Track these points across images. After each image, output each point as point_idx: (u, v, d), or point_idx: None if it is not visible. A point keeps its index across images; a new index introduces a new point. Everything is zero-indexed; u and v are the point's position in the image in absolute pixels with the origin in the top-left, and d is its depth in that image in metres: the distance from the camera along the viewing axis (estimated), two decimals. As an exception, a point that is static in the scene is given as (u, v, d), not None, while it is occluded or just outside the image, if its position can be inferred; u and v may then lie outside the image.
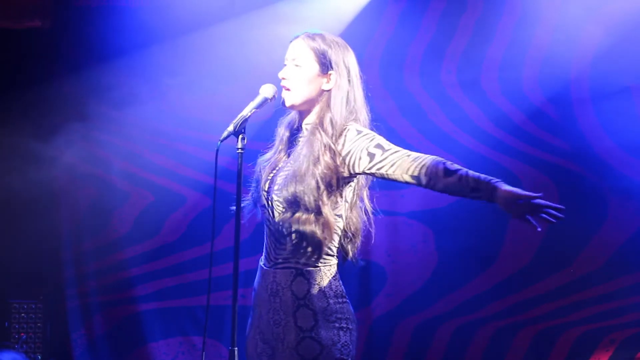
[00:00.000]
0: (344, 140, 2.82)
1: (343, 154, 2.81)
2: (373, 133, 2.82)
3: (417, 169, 2.69)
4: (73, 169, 5.26)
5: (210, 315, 2.71)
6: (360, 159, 2.78)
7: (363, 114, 2.93)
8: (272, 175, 2.92)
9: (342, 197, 2.85)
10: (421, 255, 5.11)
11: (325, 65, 2.89)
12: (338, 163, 2.81)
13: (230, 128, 2.77)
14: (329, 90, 2.89)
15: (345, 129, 2.85)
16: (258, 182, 2.95)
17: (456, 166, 2.65)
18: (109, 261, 5.30)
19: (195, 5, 5.12)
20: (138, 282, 5.29)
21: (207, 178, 5.20)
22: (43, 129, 5.22)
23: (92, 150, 5.28)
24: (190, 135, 5.26)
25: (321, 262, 2.85)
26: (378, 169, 2.75)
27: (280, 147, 2.98)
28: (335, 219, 2.84)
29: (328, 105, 2.88)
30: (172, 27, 5.14)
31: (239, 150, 2.75)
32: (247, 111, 2.80)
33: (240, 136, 2.76)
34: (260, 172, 2.97)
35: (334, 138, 2.83)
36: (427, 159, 2.68)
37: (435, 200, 5.09)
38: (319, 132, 2.84)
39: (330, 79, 2.89)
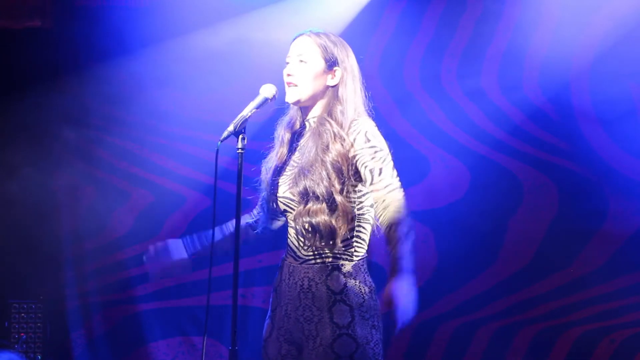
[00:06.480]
0: (357, 134, 2.83)
1: (353, 147, 2.82)
2: (377, 146, 2.83)
3: (381, 218, 2.79)
4: (73, 169, 5.26)
5: (210, 315, 2.70)
6: (362, 171, 2.82)
7: (362, 108, 2.94)
8: (281, 178, 2.93)
9: (357, 184, 2.85)
10: (421, 255, 5.10)
11: (331, 62, 2.90)
12: (348, 149, 2.82)
13: (231, 128, 2.77)
14: (334, 86, 2.90)
15: (356, 121, 2.85)
16: (269, 188, 2.95)
17: (397, 237, 2.72)
18: (109, 261, 5.30)
19: (195, 6, 5.12)
20: (138, 282, 5.29)
21: (207, 178, 5.20)
22: (43, 128, 5.22)
23: (92, 150, 5.28)
24: (190, 135, 5.26)
25: (356, 256, 2.85)
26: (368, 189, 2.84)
27: (281, 149, 2.98)
28: (353, 206, 2.84)
29: (337, 98, 2.89)
30: (171, 27, 5.14)
31: (239, 150, 2.76)
32: (247, 111, 2.80)
33: (241, 136, 2.76)
34: (267, 178, 2.96)
35: (344, 127, 2.84)
36: (393, 217, 2.76)
37: (435, 200, 5.09)
38: (328, 122, 2.85)
39: (335, 75, 2.91)
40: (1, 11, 5.16)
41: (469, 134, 5.07)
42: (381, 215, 2.79)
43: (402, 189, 2.80)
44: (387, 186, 2.78)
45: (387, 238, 2.76)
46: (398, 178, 2.83)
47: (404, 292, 2.65)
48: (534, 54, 4.95)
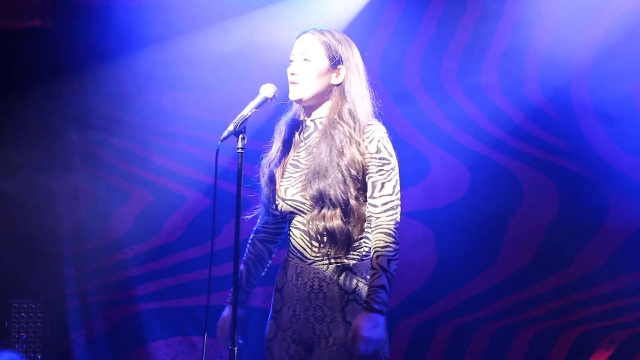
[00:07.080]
0: (370, 140, 2.82)
1: (366, 149, 2.81)
2: (385, 158, 2.82)
3: (371, 236, 2.81)
4: (73, 169, 5.26)
5: (210, 315, 2.70)
6: (366, 179, 2.82)
7: (370, 108, 2.93)
8: (286, 178, 2.90)
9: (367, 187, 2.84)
10: (421, 255, 5.11)
11: (335, 60, 2.88)
12: (363, 153, 2.82)
13: (231, 128, 2.76)
14: (338, 85, 2.89)
15: (370, 126, 2.84)
16: (270, 188, 2.93)
17: (380, 264, 2.74)
18: (109, 261, 5.30)
19: (195, 5, 5.12)
20: (138, 282, 5.29)
21: (207, 178, 5.20)
22: (43, 128, 5.22)
23: (93, 150, 5.28)
24: (190, 135, 5.26)
25: (365, 255, 2.85)
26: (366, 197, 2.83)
27: (281, 147, 2.97)
28: (364, 210, 2.83)
29: (343, 98, 2.88)
30: (172, 27, 5.14)
31: (239, 150, 2.74)
32: (247, 111, 2.79)
33: (241, 136, 2.75)
34: (268, 176, 2.94)
35: (356, 130, 2.83)
36: (377, 242, 2.77)
37: (435, 200, 5.09)
38: (340, 124, 2.84)
39: (339, 73, 2.89)
40: (1, 11, 5.16)
41: (469, 134, 5.07)
42: (372, 232, 2.80)
43: (399, 207, 2.81)
44: (385, 204, 2.79)
45: (370, 262, 2.79)
46: (399, 195, 2.83)
47: (369, 328, 2.67)
48: (534, 54, 4.95)
